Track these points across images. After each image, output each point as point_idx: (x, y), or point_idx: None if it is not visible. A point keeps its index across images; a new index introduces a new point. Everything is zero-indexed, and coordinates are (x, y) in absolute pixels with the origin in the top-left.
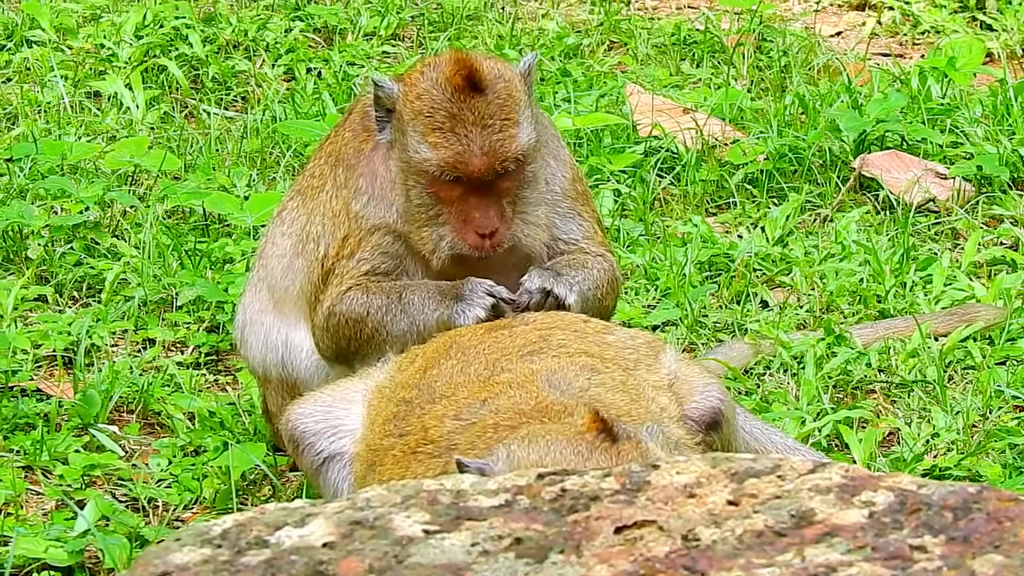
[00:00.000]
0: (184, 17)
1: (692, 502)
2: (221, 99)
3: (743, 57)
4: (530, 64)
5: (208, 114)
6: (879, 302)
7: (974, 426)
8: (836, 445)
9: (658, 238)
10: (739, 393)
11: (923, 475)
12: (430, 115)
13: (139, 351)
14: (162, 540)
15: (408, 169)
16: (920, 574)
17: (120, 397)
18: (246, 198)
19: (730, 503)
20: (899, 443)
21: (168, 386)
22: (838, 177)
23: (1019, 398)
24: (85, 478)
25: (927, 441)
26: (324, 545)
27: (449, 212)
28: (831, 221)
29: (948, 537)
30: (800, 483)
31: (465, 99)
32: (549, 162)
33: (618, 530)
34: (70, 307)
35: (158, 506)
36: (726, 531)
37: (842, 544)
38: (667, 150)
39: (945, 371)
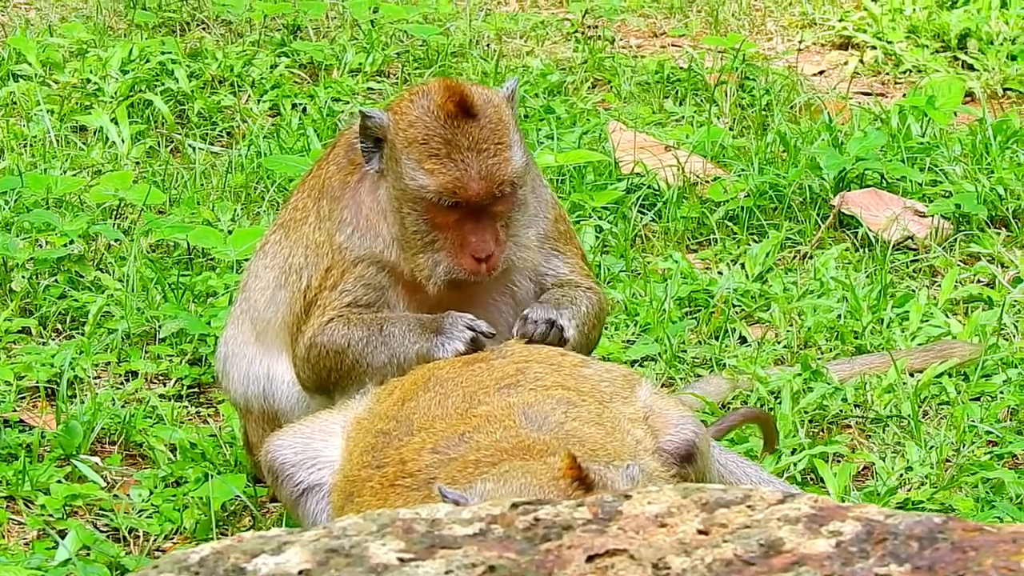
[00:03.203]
0: (170, 52)
1: (663, 531)
2: (206, 134)
3: (725, 95)
4: (512, 89)
5: (193, 149)
6: (856, 338)
7: (947, 461)
8: (811, 479)
9: (638, 274)
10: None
11: (896, 509)
12: (424, 142)
13: (122, 383)
14: (142, 569)
15: (403, 197)
16: None
17: (102, 428)
18: (230, 232)
19: (700, 532)
20: (873, 477)
21: (150, 418)
22: (818, 214)
23: (992, 433)
24: (67, 508)
25: (901, 475)
26: (300, 573)
27: (445, 238)
28: (810, 258)
29: (914, 566)
30: (769, 513)
31: (459, 125)
32: (531, 203)
33: (590, 559)
34: (53, 339)
35: (139, 536)
36: (696, 560)
37: (809, 573)
38: (649, 187)
39: (920, 406)
